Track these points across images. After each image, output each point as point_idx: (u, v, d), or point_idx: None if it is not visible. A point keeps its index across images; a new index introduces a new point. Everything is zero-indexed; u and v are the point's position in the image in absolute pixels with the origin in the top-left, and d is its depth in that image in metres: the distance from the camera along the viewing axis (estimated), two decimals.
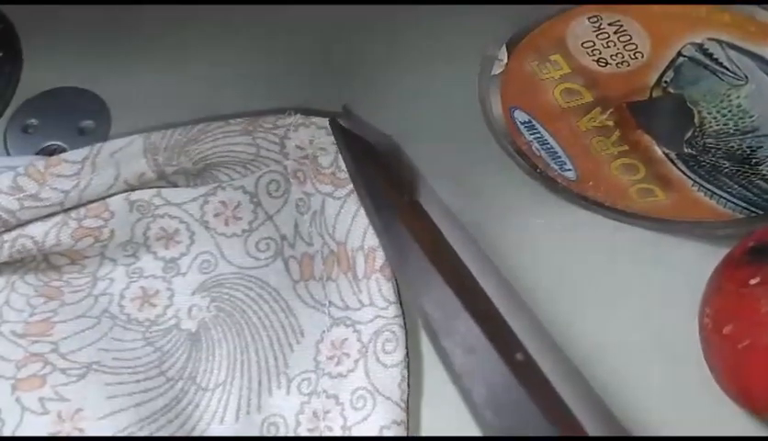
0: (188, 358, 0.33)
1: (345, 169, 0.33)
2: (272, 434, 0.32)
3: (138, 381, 0.31)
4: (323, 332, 0.33)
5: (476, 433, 0.26)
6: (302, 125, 0.33)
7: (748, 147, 0.28)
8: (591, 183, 0.34)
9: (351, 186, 0.33)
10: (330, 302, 0.34)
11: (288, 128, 0.34)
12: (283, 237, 0.34)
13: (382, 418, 0.30)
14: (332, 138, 0.33)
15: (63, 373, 0.30)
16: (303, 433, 0.31)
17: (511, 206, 0.36)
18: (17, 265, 0.33)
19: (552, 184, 0.35)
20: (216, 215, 0.34)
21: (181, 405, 0.31)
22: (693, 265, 0.30)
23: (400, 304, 0.33)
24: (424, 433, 0.32)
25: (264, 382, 0.32)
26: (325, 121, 0.33)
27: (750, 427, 0.30)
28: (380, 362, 0.32)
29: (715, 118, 0.28)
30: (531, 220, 0.36)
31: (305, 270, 0.34)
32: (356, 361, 0.32)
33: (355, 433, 0.30)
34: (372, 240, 0.33)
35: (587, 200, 0.35)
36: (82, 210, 0.33)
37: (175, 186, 0.34)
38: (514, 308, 0.33)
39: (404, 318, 0.33)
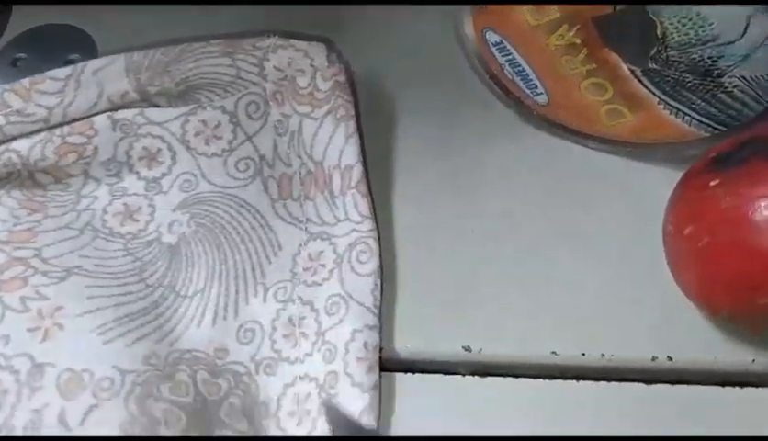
0: (168, 268, 0.34)
1: (322, 89, 0.34)
2: (248, 339, 0.33)
3: (118, 285, 0.32)
4: (300, 245, 0.34)
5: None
6: (281, 47, 0.34)
7: (709, 58, 0.29)
8: (561, 107, 0.35)
9: (327, 106, 0.34)
10: (307, 219, 0.35)
11: (266, 49, 0.34)
12: (262, 157, 0.35)
13: (355, 322, 0.31)
14: (309, 60, 0.34)
15: (45, 275, 0.31)
16: (278, 338, 0.32)
17: (485, 132, 0.37)
18: (3, 181, 0.34)
19: (525, 110, 0.36)
20: (197, 134, 0.35)
21: (159, 309, 0.32)
22: (660, 188, 0.31)
23: (375, 219, 0.34)
24: (396, 336, 0.33)
25: (241, 291, 0.33)
26: (303, 44, 0.34)
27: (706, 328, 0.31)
28: (354, 271, 0.32)
29: (676, 28, 0.29)
30: (504, 147, 0.36)
31: (284, 190, 0.35)
32: (331, 271, 0.33)
33: (329, 337, 0.31)
34: (349, 158, 0.34)
35: (558, 126, 0.36)
36: (66, 128, 0.34)
37: (158, 107, 0.35)
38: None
39: (378, 232, 0.33)
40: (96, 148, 0.34)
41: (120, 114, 0.35)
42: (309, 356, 0.32)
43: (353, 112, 0.35)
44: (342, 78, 0.35)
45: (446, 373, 0.32)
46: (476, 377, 0.32)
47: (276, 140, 0.35)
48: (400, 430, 0.31)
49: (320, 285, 0.33)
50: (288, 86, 0.35)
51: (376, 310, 0.32)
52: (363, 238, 0.33)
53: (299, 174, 0.35)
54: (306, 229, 0.34)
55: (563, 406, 0.31)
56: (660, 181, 0.31)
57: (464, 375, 0.32)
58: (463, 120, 0.37)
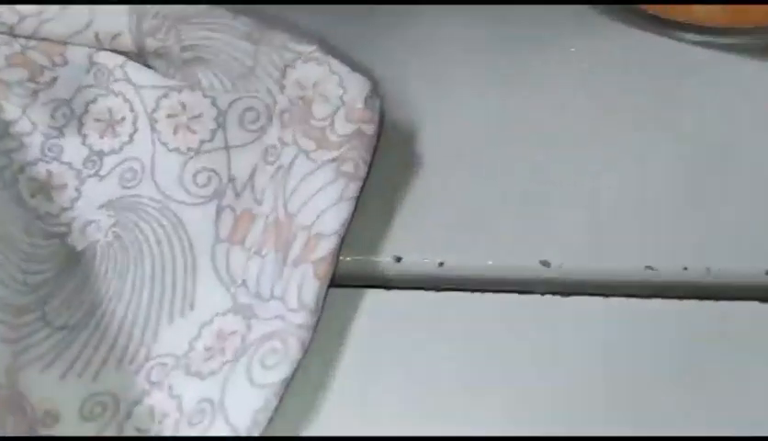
0: (54, 278, 0.26)
1: (339, 131, 0.26)
2: (94, 414, 0.24)
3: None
4: (216, 315, 0.25)
5: None
6: (314, 60, 0.26)
7: None
8: None
9: (336, 152, 0.25)
10: (243, 281, 0.26)
11: (297, 56, 0.27)
12: (231, 179, 0.27)
13: None
14: (341, 90, 0.26)
15: None
16: (129, 430, 0.23)
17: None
18: None
19: None
20: (169, 116, 0.27)
21: (23, 318, 0.24)
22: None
23: (318, 316, 0.24)
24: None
25: (114, 351, 0.25)
26: (343, 67, 0.26)
27: None
28: (249, 376, 0.23)
29: None
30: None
31: (238, 231, 0.26)
32: (224, 364, 0.24)
33: None
34: (327, 225, 0.25)
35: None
36: (32, 41, 0.27)
37: (148, 67, 0.28)
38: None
39: (312, 333, 0.24)
40: (54, 79, 0.27)
41: (101, 57, 0.27)
42: None
43: (363, 174, 0.26)
44: (370, 129, 0.26)
45: (521, 292, 0.27)
46: (556, 296, 0.27)
47: (258, 165, 0.27)
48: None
49: (201, 379, 0.24)
50: (300, 110, 0.27)
51: (247, 435, 0.22)
52: (284, 333, 0.23)
53: (266, 219, 0.26)
54: (234, 295, 0.25)
55: (661, 328, 0.26)
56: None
57: (542, 294, 0.27)
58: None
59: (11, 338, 0.23)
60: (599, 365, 0.25)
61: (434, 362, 0.26)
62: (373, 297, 0.27)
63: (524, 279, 0.27)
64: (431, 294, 0.27)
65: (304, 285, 0.24)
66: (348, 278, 0.27)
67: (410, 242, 0.27)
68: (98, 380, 0.25)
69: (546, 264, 0.27)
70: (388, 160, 0.28)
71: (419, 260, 0.27)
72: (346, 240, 0.26)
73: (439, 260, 0.27)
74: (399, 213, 0.28)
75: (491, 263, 0.27)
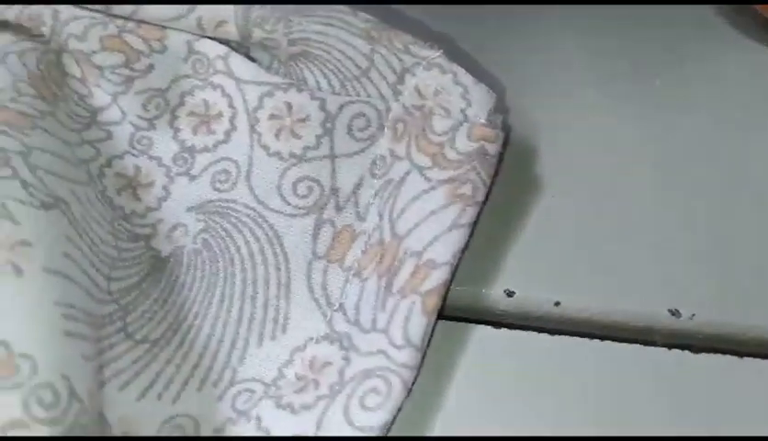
0: (137, 285, 0.23)
1: (459, 148, 0.23)
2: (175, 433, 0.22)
3: (89, 265, 0.22)
4: (309, 341, 0.23)
5: None
6: (437, 67, 0.24)
7: None
8: None
9: (454, 172, 0.23)
10: (340, 306, 0.23)
11: (419, 61, 0.24)
12: (334, 191, 0.24)
13: None
14: (464, 102, 0.23)
15: (24, 186, 0.21)
16: None
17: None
18: (24, 43, 0.25)
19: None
20: (272, 116, 0.24)
21: (104, 331, 0.22)
22: None
23: (423, 356, 0.22)
24: None
25: (197, 371, 0.23)
26: (468, 78, 0.23)
27: None
28: (347, 416, 0.21)
29: None
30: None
31: (337, 248, 0.24)
32: (319, 399, 0.21)
33: None
34: (440, 253, 0.22)
35: None
36: (130, 23, 0.25)
37: (251, 59, 0.25)
38: None
39: (417, 375, 0.21)
40: (151, 67, 0.25)
41: (202, 45, 0.25)
42: None
43: (481, 198, 0.23)
44: (493, 149, 0.23)
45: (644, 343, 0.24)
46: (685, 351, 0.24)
47: (365, 178, 0.24)
48: None
49: (293, 413, 0.21)
50: (417, 121, 0.24)
51: None
52: (386, 372, 0.21)
53: (369, 238, 0.24)
54: (330, 321, 0.23)
55: None
56: None
57: (669, 347, 0.24)
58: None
59: (91, 354, 0.21)
60: (728, 427, 0.23)
61: (539, 410, 0.23)
62: (480, 333, 0.24)
63: (647, 328, 0.24)
64: (544, 336, 0.24)
65: (411, 319, 0.22)
66: (452, 310, 0.24)
67: (524, 275, 0.25)
68: (179, 402, 0.22)
69: (675, 314, 0.24)
70: (503, 180, 0.25)
71: (533, 297, 0.25)
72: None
73: (556, 299, 0.25)
74: (513, 242, 0.25)
75: (613, 307, 0.24)
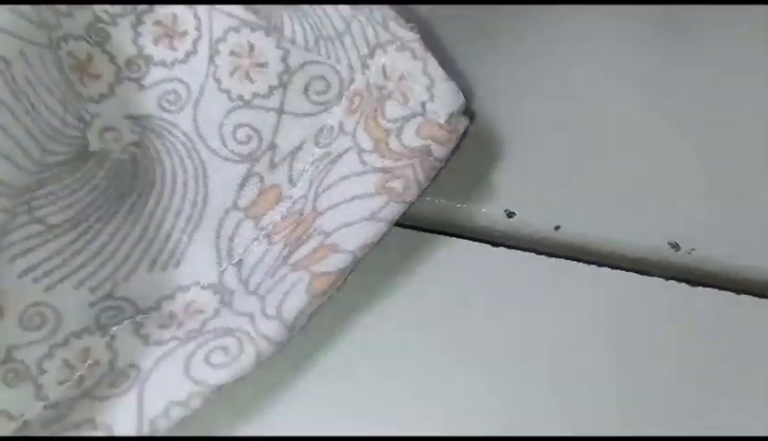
0: (58, 165, 0.23)
1: (405, 141, 0.22)
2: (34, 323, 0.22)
3: None
4: (196, 284, 0.22)
5: None
6: (410, 51, 0.22)
7: None
8: None
9: (392, 164, 0.21)
10: (239, 262, 0.22)
11: (393, 39, 0.22)
12: (272, 147, 0.23)
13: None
14: (427, 94, 0.22)
15: None
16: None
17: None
18: None
19: None
20: (232, 53, 0.23)
21: None
22: None
23: (289, 337, 0.21)
24: None
25: (80, 273, 0.22)
26: (439, 72, 0.22)
27: None
28: (186, 364, 0.20)
29: None
30: None
31: (258, 205, 0.23)
32: (172, 339, 0.21)
33: None
34: (344, 240, 0.21)
35: None
36: None
37: None
38: None
39: (277, 351, 0.20)
40: None
41: None
42: None
43: (411, 198, 0.22)
44: (440, 152, 0.22)
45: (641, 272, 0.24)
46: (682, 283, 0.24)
47: (306, 142, 0.23)
48: None
49: (144, 344, 0.21)
50: (373, 101, 0.23)
51: None
52: (244, 336, 0.20)
53: (292, 203, 0.23)
54: (221, 273, 0.22)
55: None
56: None
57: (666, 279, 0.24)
58: None
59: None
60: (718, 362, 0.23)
61: (533, 330, 0.23)
62: (477, 250, 0.24)
63: (645, 259, 0.24)
64: (542, 259, 0.24)
65: (291, 294, 0.20)
66: (451, 227, 0.24)
67: (525, 197, 0.24)
68: (52, 292, 0.22)
69: (675, 247, 0.24)
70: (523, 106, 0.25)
71: (533, 219, 0.24)
72: (454, 185, 0.23)
73: (556, 223, 0.24)
74: (517, 163, 0.25)
75: (613, 235, 0.24)
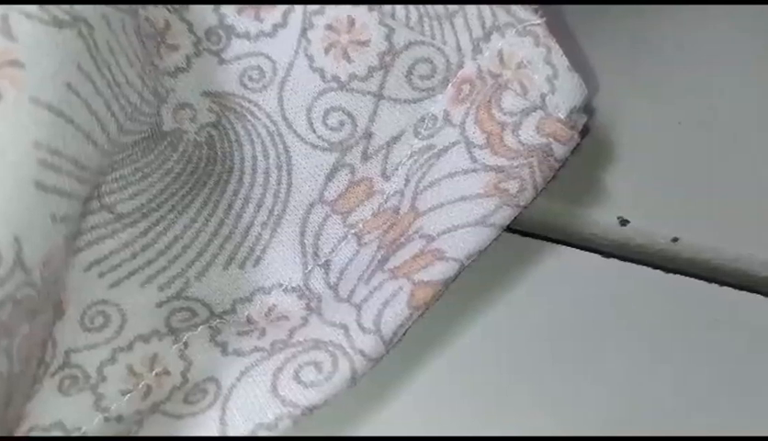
0: (131, 145, 0.20)
1: (523, 138, 0.19)
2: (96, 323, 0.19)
3: None
4: (279, 286, 0.20)
5: None
6: (533, 36, 0.20)
7: None
8: None
9: (506, 162, 0.19)
10: (326, 263, 0.20)
11: (513, 22, 0.20)
12: (367, 135, 0.21)
13: None
14: (548, 85, 0.19)
15: None
16: None
17: None
18: None
19: None
20: (329, 27, 0.21)
21: None
22: None
23: (386, 352, 0.18)
24: None
25: (150, 268, 0.20)
26: (563, 61, 0.19)
27: None
28: (274, 381, 0.18)
29: None
30: None
31: (347, 199, 0.21)
32: (256, 351, 0.18)
33: None
34: (450, 246, 0.18)
35: None
36: None
37: None
38: None
39: (372, 367, 0.18)
40: None
41: None
42: None
43: (524, 203, 0.19)
44: (560, 151, 0.19)
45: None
46: None
47: (405, 133, 0.21)
48: None
49: (223, 354, 0.19)
50: (487, 89, 0.20)
51: None
52: (338, 351, 0.18)
53: (385, 199, 0.20)
54: (308, 275, 0.20)
55: None
56: None
57: None
58: None
59: (69, 214, 0.18)
60: None
61: (647, 350, 0.21)
62: (585, 261, 0.22)
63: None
64: (658, 274, 0.21)
65: (391, 305, 0.18)
66: (557, 232, 0.22)
67: (641, 205, 0.22)
68: (116, 289, 0.20)
69: None
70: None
71: (649, 229, 0.22)
72: (562, 187, 0.21)
73: (674, 234, 0.22)
74: (632, 167, 0.22)
75: (739, 251, 0.22)
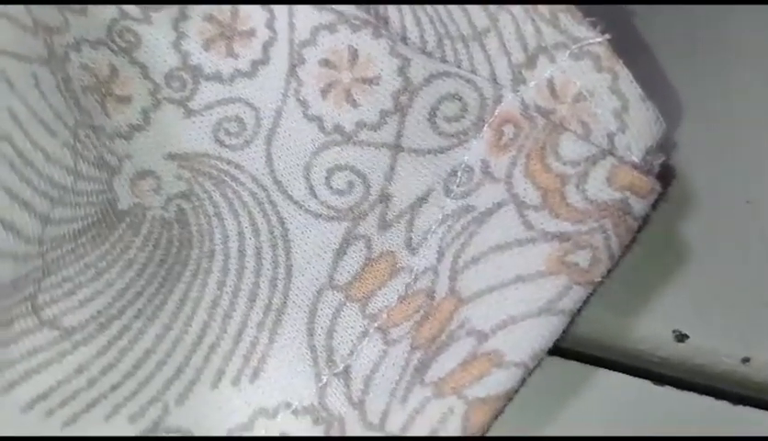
0: (74, 236, 0.16)
1: (591, 195, 0.15)
2: None
3: None
4: (286, 406, 0.16)
5: None
6: (593, 58, 0.15)
7: None
8: None
9: (571, 227, 0.15)
10: (346, 369, 0.16)
11: (568, 42, 0.15)
12: (385, 198, 0.16)
13: None
14: (617, 122, 0.15)
15: None
16: None
17: None
18: None
19: None
20: (325, 62, 0.16)
21: None
22: None
23: None
24: None
25: (117, 393, 0.15)
26: (634, 89, 0.15)
27: None
28: None
29: None
30: None
31: (364, 281, 0.16)
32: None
33: None
34: (510, 346, 0.14)
35: None
36: None
37: None
38: None
39: None
40: None
41: None
42: None
43: (598, 277, 0.15)
44: (639, 206, 0.15)
45: None
46: None
47: (434, 192, 0.16)
48: None
49: None
50: (539, 133, 0.16)
51: None
52: None
53: (414, 278, 0.16)
54: (323, 385, 0.15)
55: None
56: None
57: None
58: None
59: None
60: None
61: None
62: (631, 388, 0.17)
63: None
64: (724, 406, 0.17)
65: (440, 434, 0.14)
66: (592, 347, 0.17)
67: (704, 315, 0.18)
68: (72, 426, 0.15)
69: None
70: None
71: (711, 346, 0.18)
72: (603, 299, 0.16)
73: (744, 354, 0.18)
74: (688, 275, 0.18)
75: None
